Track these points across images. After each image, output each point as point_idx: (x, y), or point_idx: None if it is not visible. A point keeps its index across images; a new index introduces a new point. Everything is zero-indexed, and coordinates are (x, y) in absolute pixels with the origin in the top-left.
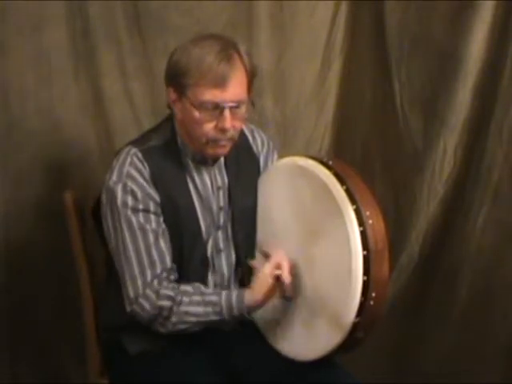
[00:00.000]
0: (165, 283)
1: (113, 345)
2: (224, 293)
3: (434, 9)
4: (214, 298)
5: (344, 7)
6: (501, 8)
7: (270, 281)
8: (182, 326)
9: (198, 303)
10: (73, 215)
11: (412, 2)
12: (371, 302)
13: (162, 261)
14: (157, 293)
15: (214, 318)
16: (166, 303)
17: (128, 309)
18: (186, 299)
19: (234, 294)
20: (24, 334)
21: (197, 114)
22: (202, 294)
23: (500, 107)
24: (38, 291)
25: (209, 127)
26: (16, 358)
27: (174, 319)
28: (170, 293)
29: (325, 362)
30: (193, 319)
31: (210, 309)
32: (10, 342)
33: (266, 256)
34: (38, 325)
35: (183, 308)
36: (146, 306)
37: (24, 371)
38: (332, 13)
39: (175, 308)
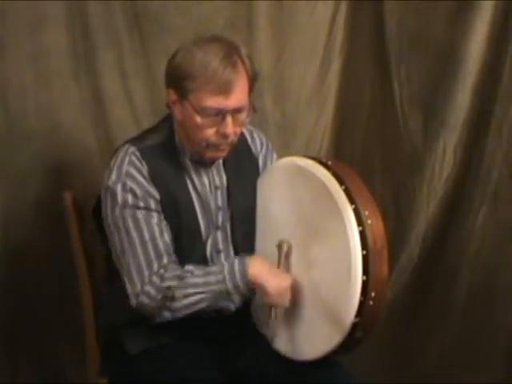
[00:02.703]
0: (170, 267)
1: (112, 344)
2: (226, 262)
3: (434, 9)
4: (215, 268)
5: (343, 7)
6: (500, 8)
7: (287, 285)
8: (187, 301)
9: (199, 275)
10: (72, 215)
11: (411, 1)
12: (371, 302)
13: (169, 253)
14: (161, 277)
15: (216, 287)
16: (172, 283)
17: (134, 302)
18: (188, 274)
19: (237, 260)
20: (24, 333)
21: (198, 118)
22: (205, 267)
23: (499, 107)
24: (37, 291)
25: (210, 132)
26: (16, 358)
27: (177, 293)
28: (177, 272)
29: (325, 362)
30: (195, 290)
31: (212, 277)
32: (10, 342)
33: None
34: (38, 324)
35: (185, 281)
36: (152, 291)
37: (24, 371)
38: (331, 13)
39: (178, 283)
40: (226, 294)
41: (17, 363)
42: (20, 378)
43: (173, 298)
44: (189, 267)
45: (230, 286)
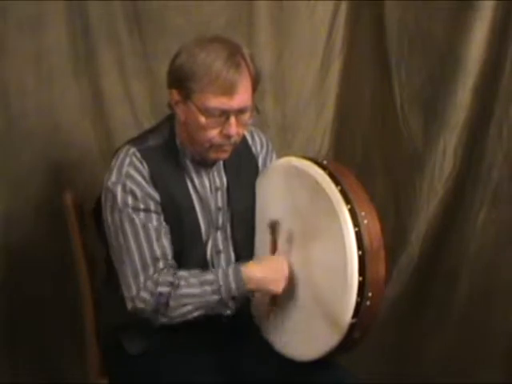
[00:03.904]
0: (164, 271)
1: (113, 345)
2: (220, 269)
3: (434, 8)
4: (210, 277)
5: (344, 7)
6: (501, 8)
7: (284, 269)
8: (183, 310)
9: (194, 284)
10: (73, 215)
11: (411, 1)
12: (368, 303)
13: (165, 257)
14: (156, 282)
15: (212, 297)
16: (164, 289)
17: (129, 306)
18: (183, 282)
19: (231, 268)
20: (24, 333)
21: (202, 119)
22: (199, 275)
23: (500, 107)
24: (38, 291)
25: (214, 133)
26: (16, 358)
27: (172, 303)
28: (169, 278)
29: (325, 362)
30: (191, 300)
31: (207, 288)
32: (10, 342)
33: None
34: (37, 325)
35: (180, 291)
36: (147, 297)
37: (24, 371)
38: (332, 13)
39: (173, 292)
40: (222, 303)
41: (17, 363)
42: (20, 377)
43: (168, 305)
44: (183, 273)
45: (224, 295)
